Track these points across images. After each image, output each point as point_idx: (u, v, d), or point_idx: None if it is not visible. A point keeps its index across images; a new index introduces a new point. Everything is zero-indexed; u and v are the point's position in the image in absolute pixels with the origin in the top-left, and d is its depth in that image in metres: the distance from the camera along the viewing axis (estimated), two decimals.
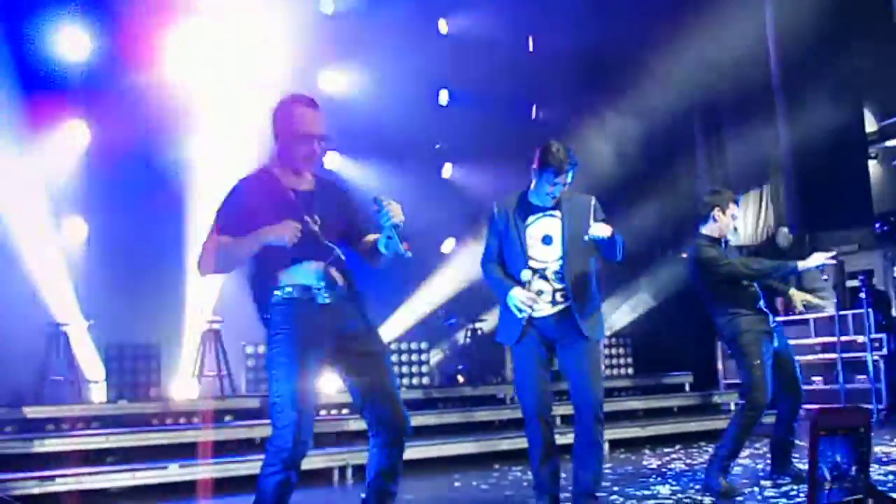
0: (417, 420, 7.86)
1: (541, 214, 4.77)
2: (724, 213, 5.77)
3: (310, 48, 10.29)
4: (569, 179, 4.67)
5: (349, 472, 6.88)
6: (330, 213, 3.79)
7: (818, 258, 5.50)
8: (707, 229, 5.83)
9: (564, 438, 7.64)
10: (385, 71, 10.58)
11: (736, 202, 5.85)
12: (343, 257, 3.80)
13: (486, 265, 4.90)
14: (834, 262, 5.55)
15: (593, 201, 4.78)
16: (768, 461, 6.11)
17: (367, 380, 3.78)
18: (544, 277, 4.68)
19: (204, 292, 9.88)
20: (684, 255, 5.92)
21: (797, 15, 11.79)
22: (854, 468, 1.71)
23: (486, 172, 11.40)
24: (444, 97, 11.57)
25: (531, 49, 12.25)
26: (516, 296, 4.62)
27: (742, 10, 11.82)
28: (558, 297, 4.68)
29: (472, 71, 11.23)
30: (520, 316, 4.64)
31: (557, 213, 4.74)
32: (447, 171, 11.93)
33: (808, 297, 6.21)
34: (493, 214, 4.89)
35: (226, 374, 9.30)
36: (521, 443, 7.78)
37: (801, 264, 5.55)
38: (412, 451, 7.18)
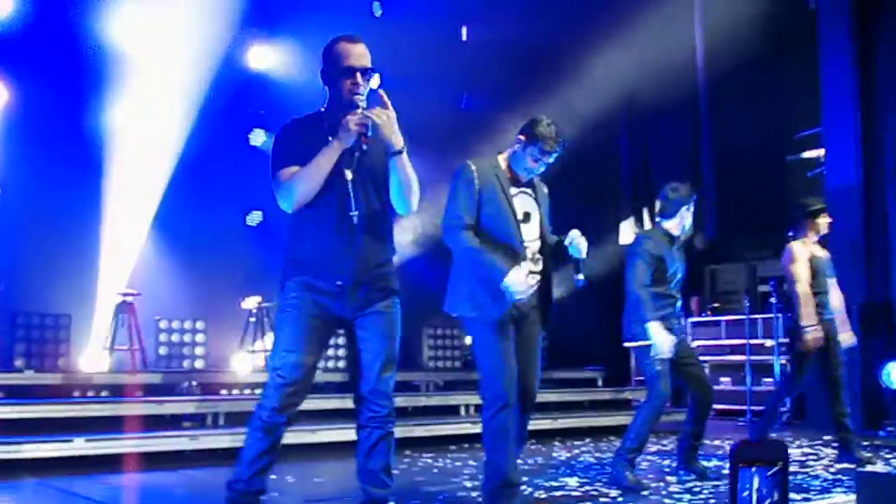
0: (334, 403, 7.87)
1: (521, 188, 4.54)
2: (687, 209, 5.87)
3: (239, 23, 10.14)
4: (551, 160, 4.53)
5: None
6: (375, 163, 3.74)
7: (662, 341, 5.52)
8: (668, 224, 5.90)
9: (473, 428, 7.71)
10: (316, 49, 10.47)
11: (694, 198, 5.94)
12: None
13: (459, 231, 4.39)
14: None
15: (545, 190, 4.70)
16: (675, 457, 6.24)
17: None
18: (524, 258, 4.44)
19: (119, 264, 9.69)
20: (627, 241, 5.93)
21: (725, 24, 12.03)
22: (773, 498, 1.75)
23: (412, 156, 11.38)
24: (375, 81, 11.51)
25: (464, 38, 12.25)
26: (517, 279, 4.26)
27: (673, 18, 12.02)
28: (531, 279, 4.48)
29: (404, 56, 11.19)
30: (514, 299, 4.31)
31: (530, 191, 4.59)
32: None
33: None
34: (471, 172, 4.46)
35: (138, 348, 9.14)
36: (435, 430, 7.87)
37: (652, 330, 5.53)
38: (323, 435, 7.19)
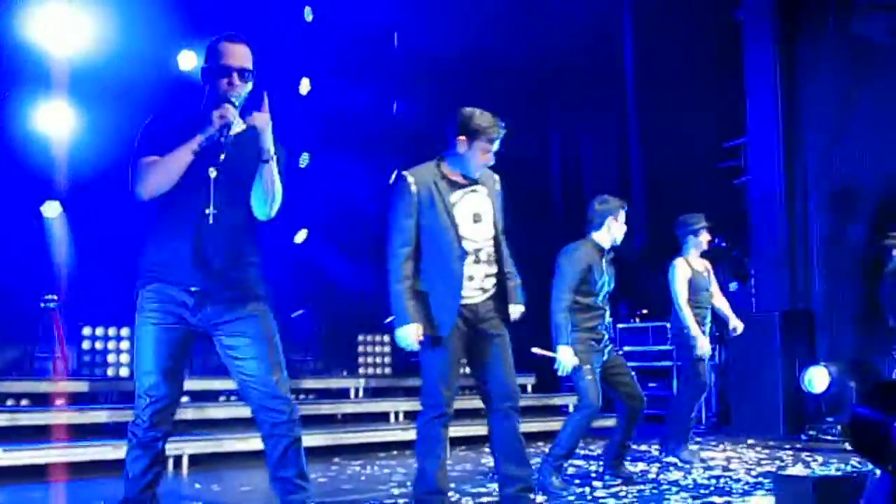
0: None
1: (467, 190, 4.43)
2: (616, 220, 5.93)
3: (170, 26, 9.99)
4: (497, 146, 4.42)
5: (185, 461, 6.73)
6: (244, 163, 3.63)
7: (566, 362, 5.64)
8: (597, 236, 5.96)
9: (403, 435, 7.69)
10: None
11: (624, 209, 6.00)
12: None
13: (397, 258, 4.33)
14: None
15: (497, 178, 4.60)
16: (601, 463, 6.30)
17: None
18: (477, 260, 4.37)
19: (38, 269, 9.46)
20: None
21: (654, 33, 12.24)
22: None
23: (344, 163, 11.35)
24: (305, 86, 11.42)
25: (395, 44, 12.26)
26: (409, 335, 4.26)
27: (603, 26, 12.19)
28: (488, 283, 4.42)
29: (335, 61, 11.15)
30: (405, 347, 4.32)
31: (480, 188, 4.48)
32: (304, 160, 11.80)
33: None
34: (408, 187, 4.35)
35: (59, 355, 8.93)
36: (364, 437, 7.83)
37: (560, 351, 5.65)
38: (253, 443, 7.11)
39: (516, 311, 4.54)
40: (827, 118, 9.77)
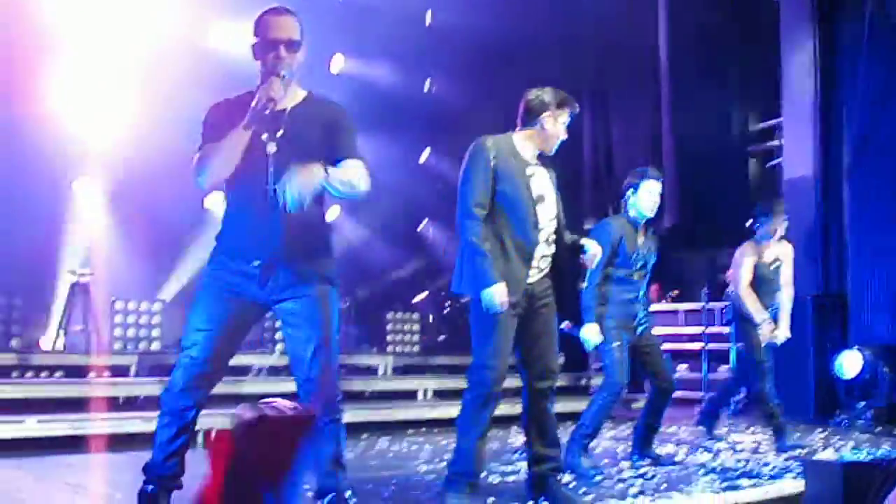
0: (291, 386, 7.84)
1: (534, 169, 4.43)
2: (637, 193, 5.87)
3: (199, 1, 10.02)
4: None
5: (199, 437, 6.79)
6: (304, 134, 3.61)
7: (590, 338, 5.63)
8: (631, 208, 5.91)
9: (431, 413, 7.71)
10: None
11: (657, 179, 5.93)
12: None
13: (469, 224, 4.23)
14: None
15: (554, 174, 4.59)
16: (629, 444, 6.29)
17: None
18: (540, 241, 4.35)
19: (74, 243, 9.57)
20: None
21: (689, 13, 12.11)
22: None
23: (375, 142, 11.35)
24: (338, 63, 11.42)
25: (429, 23, 12.21)
26: (498, 294, 4.13)
27: (636, 5, 12.07)
28: (544, 263, 4.40)
29: (367, 39, 11.13)
30: (491, 309, 4.16)
31: (542, 169, 4.48)
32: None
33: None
34: (487, 150, 4.31)
35: (93, 329, 9.04)
36: (392, 414, 7.86)
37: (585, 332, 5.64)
38: None
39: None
40: (865, 101, 9.62)
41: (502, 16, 11.21)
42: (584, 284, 5.73)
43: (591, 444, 5.84)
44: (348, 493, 3.77)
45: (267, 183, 3.57)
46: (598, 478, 5.38)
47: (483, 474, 5.32)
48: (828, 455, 6.46)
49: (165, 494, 3.67)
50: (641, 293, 5.91)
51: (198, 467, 4.99)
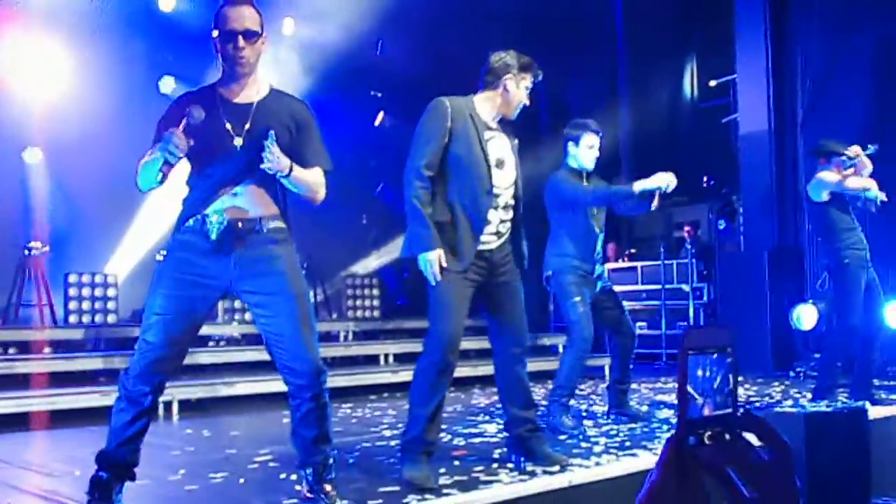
0: (251, 355, 7.79)
1: (494, 133, 4.34)
2: (576, 145, 5.85)
3: None
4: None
5: (175, 406, 6.72)
6: (270, 128, 3.52)
7: (659, 179, 5.44)
8: (571, 160, 5.89)
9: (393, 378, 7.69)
10: None
11: (596, 132, 5.87)
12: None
13: (417, 178, 4.15)
14: (674, 182, 5.48)
15: (517, 141, 4.52)
16: (590, 401, 6.31)
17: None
18: (496, 206, 4.26)
19: (29, 218, 9.36)
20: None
21: None
22: (724, 385, 1.75)
23: (328, 104, 11.23)
24: (289, 26, 11.23)
25: None
26: (434, 261, 4.08)
27: None
28: (503, 228, 4.33)
29: (318, 1, 10.94)
30: (424, 270, 4.11)
31: (502, 134, 4.41)
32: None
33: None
34: (444, 109, 4.22)
35: (46, 303, 8.87)
36: (355, 380, 7.83)
37: (638, 185, 5.47)
38: (240, 388, 7.12)
39: None
40: (817, 56, 9.68)
41: None
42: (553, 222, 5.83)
43: (570, 403, 5.83)
44: (332, 459, 3.70)
45: (233, 174, 3.53)
46: (561, 437, 5.38)
47: (446, 437, 5.33)
48: (787, 407, 6.52)
49: (118, 484, 3.57)
50: (599, 245, 5.90)
51: (161, 452, 4.94)
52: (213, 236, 3.53)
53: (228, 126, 3.55)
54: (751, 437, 1.92)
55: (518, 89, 4.38)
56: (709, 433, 1.73)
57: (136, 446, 3.60)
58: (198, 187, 3.61)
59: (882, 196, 6.56)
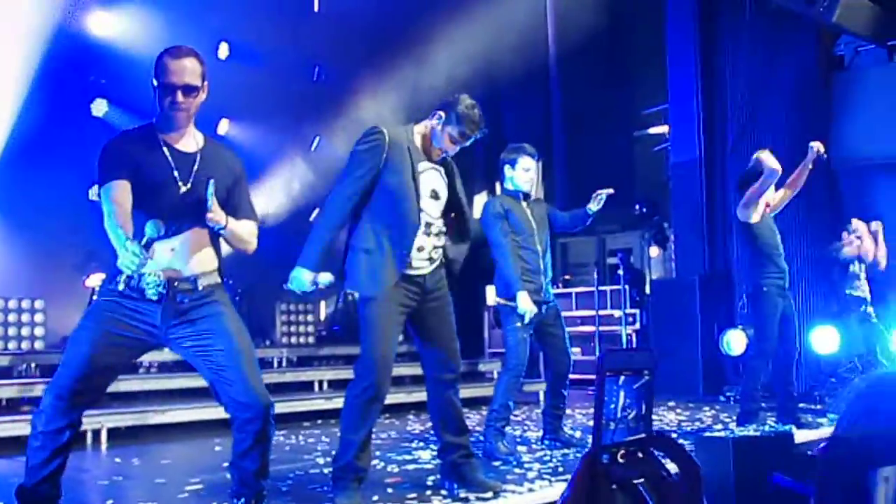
0: (180, 382, 7.67)
1: (430, 164, 4.36)
2: (513, 168, 5.89)
3: None
4: (467, 144, 4.37)
5: (104, 435, 6.59)
6: (213, 178, 3.54)
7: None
8: (508, 183, 5.95)
9: (327, 404, 7.64)
10: (163, 18, 10.09)
11: (532, 156, 5.92)
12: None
13: (340, 206, 4.19)
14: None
15: (455, 168, 4.54)
16: (524, 426, 6.33)
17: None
18: (428, 234, 4.28)
19: None
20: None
21: (576, 6, 12.26)
22: (639, 409, 1.78)
23: (263, 130, 11.20)
24: (223, 50, 11.18)
25: (316, 9, 12.05)
26: (305, 280, 4.15)
27: None
28: (435, 254, 4.35)
29: (255, 26, 10.92)
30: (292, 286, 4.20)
31: (441, 168, 4.41)
32: (223, 127, 11.58)
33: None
34: (382, 139, 4.22)
35: None
36: (288, 407, 7.75)
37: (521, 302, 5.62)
38: (172, 415, 7.01)
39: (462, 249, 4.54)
40: (746, 85, 9.91)
41: (392, 3, 11.15)
42: (497, 261, 5.78)
43: (506, 428, 5.84)
44: (264, 491, 3.68)
45: (176, 222, 3.52)
46: (496, 463, 5.39)
47: (380, 464, 5.31)
48: (716, 432, 6.62)
49: None
50: (544, 263, 5.93)
51: (89, 482, 4.83)
52: (150, 296, 3.51)
53: (176, 174, 3.56)
54: (662, 457, 1.96)
55: (443, 133, 4.33)
56: (622, 451, 1.76)
57: (56, 481, 3.54)
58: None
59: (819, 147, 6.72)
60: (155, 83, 3.59)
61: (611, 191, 6.02)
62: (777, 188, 6.77)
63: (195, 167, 3.60)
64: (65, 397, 3.46)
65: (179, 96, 3.55)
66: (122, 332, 3.52)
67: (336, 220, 4.21)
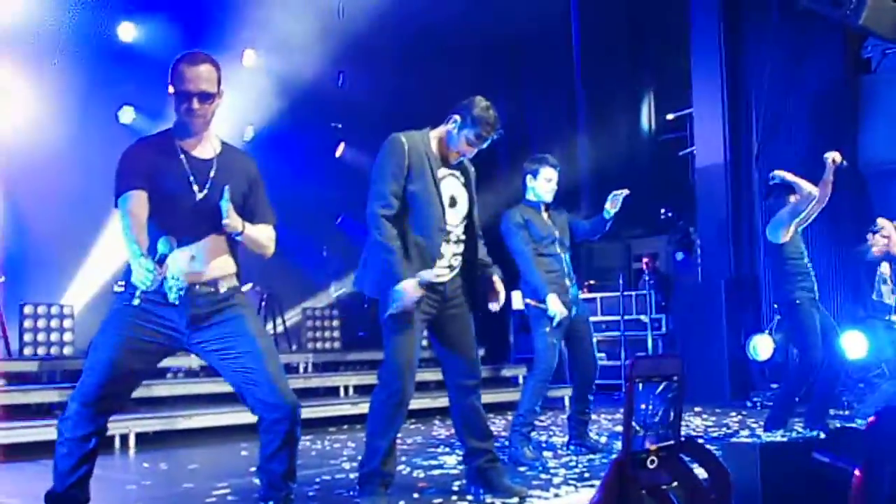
0: (208, 388, 7.71)
1: (448, 171, 4.37)
2: (534, 178, 5.91)
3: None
4: (484, 146, 4.37)
5: (131, 439, 6.64)
6: (229, 184, 3.57)
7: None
8: (529, 193, 5.96)
9: (353, 410, 7.66)
10: (190, 24, 10.17)
11: (554, 166, 5.94)
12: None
13: (380, 218, 4.17)
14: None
15: (473, 170, 4.55)
16: (549, 432, 6.32)
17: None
18: (447, 241, 4.30)
19: None
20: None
21: (600, 4, 12.25)
22: (667, 416, 1.78)
23: (288, 136, 11.25)
24: (249, 57, 11.23)
25: (340, 15, 12.09)
26: (409, 290, 4.09)
27: None
28: (455, 261, 4.37)
29: (280, 32, 10.97)
30: (397, 303, 4.13)
31: (458, 173, 4.43)
32: (248, 133, 11.64)
33: None
34: (402, 146, 4.23)
35: (0, 335, 8.72)
36: (314, 412, 7.79)
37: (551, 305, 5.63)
38: (198, 420, 7.05)
39: (502, 295, 4.53)
40: (771, 88, 9.86)
41: (417, 9, 11.16)
42: (522, 269, 5.80)
43: (532, 433, 5.83)
44: (292, 495, 3.70)
45: (196, 229, 3.55)
46: (521, 469, 5.39)
47: (406, 469, 5.32)
48: (744, 437, 6.58)
49: None
50: (567, 267, 5.93)
51: (117, 487, 4.87)
52: (172, 300, 3.53)
53: (192, 180, 3.59)
54: (693, 463, 1.96)
55: (459, 136, 4.33)
56: (651, 457, 1.76)
57: (85, 486, 3.57)
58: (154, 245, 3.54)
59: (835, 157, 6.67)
60: (171, 90, 3.60)
61: (626, 192, 6.04)
62: None
63: (212, 174, 3.62)
64: (90, 404, 3.49)
65: (195, 103, 3.57)
66: (144, 338, 3.55)
67: (390, 230, 4.18)
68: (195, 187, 3.58)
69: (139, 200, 3.50)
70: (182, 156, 3.61)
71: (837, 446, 1.63)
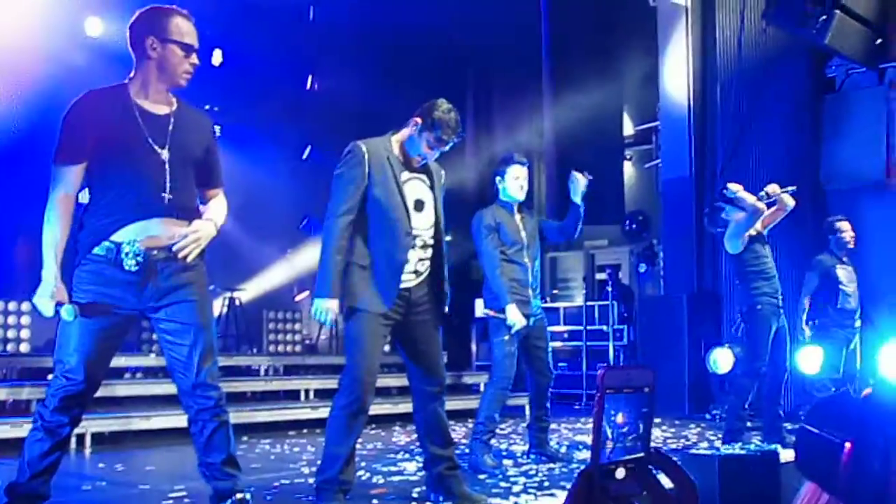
0: (165, 388, 7.62)
1: (413, 174, 4.33)
2: (503, 178, 5.91)
3: None
4: (446, 149, 4.34)
5: (87, 439, 6.55)
6: (187, 143, 3.51)
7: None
8: (501, 195, 5.95)
9: (313, 413, 7.63)
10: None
11: (522, 164, 5.93)
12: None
13: (336, 226, 4.14)
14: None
15: (443, 173, 4.53)
16: (510, 440, 6.32)
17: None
18: (413, 246, 4.25)
19: None
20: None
21: (571, 12, 12.31)
22: (637, 427, 1.78)
23: (256, 138, 11.18)
24: (217, 57, 11.17)
25: (311, 18, 12.07)
26: (330, 309, 4.10)
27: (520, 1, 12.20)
28: (421, 266, 4.33)
29: (249, 33, 10.92)
30: (318, 319, 4.17)
31: (424, 176, 4.38)
32: (216, 132, 11.55)
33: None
34: (361, 155, 4.19)
35: None
36: (275, 415, 7.74)
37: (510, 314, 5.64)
38: (157, 421, 6.97)
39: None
40: (737, 104, 9.95)
41: (387, 10, 11.17)
42: (487, 274, 5.78)
43: (492, 441, 5.83)
44: (248, 495, 3.67)
45: (164, 189, 3.47)
46: (481, 476, 5.39)
47: (365, 475, 5.29)
48: (703, 448, 6.62)
49: None
50: (532, 278, 5.93)
51: (72, 488, 4.79)
52: (130, 268, 3.44)
53: (149, 139, 3.47)
54: (660, 475, 1.97)
55: (420, 139, 4.29)
56: (620, 468, 1.77)
57: (49, 478, 3.53)
58: (108, 207, 3.46)
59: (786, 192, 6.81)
60: (153, 41, 3.47)
61: (587, 175, 5.97)
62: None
63: (170, 129, 3.53)
64: (67, 395, 3.47)
65: (195, 58, 3.53)
66: (110, 324, 3.50)
67: (338, 241, 4.16)
68: (155, 146, 3.47)
69: (76, 178, 3.43)
70: (136, 112, 3.48)
71: (827, 417, 1.62)
